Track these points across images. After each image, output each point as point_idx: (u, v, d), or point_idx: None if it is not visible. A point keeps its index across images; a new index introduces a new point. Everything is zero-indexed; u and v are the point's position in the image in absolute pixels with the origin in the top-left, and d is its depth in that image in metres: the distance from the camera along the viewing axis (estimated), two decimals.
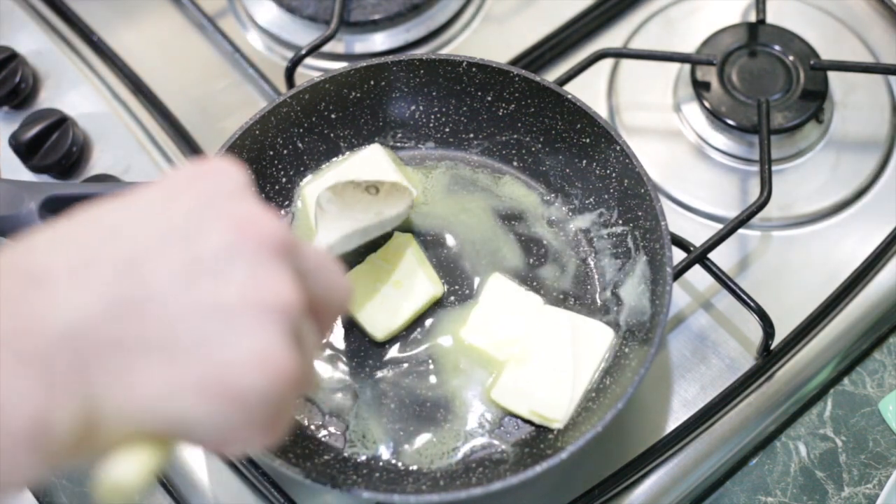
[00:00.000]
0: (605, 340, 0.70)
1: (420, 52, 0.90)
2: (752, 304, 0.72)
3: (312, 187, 0.76)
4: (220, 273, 0.41)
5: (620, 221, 0.73)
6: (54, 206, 0.71)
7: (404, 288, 0.71)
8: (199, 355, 0.40)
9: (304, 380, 0.45)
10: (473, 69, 0.75)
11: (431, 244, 0.75)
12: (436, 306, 0.73)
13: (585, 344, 0.70)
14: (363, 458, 0.68)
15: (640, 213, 0.71)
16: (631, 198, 0.72)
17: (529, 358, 0.70)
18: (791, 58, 0.85)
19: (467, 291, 0.74)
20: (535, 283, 0.74)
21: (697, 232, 0.78)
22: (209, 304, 0.41)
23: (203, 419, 0.41)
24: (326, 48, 0.86)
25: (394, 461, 0.68)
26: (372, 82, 0.76)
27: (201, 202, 0.43)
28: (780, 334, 0.74)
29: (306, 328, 0.45)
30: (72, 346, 0.38)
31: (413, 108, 0.78)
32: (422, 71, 0.76)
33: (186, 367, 0.40)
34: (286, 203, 0.76)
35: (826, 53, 0.85)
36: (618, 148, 0.71)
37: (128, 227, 0.42)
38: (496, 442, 0.68)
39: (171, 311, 0.40)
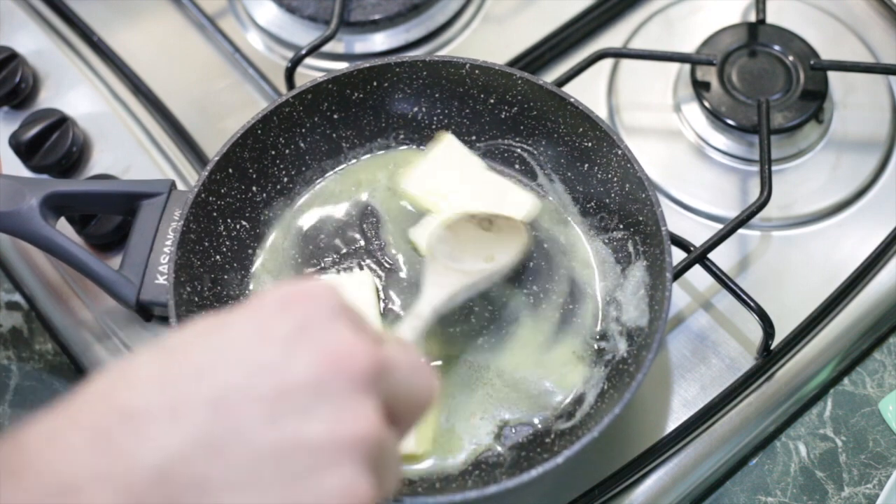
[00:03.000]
0: (526, 207, 0.73)
1: (420, 52, 0.90)
2: (752, 304, 0.72)
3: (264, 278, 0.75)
4: (307, 410, 0.41)
5: (621, 226, 0.73)
6: (55, 203, 0.71)
7: None
8: (282, 493, 0.41)
9: (387, 496, 0.46)
10: (476, 71, 0.75)
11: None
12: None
13: (508, 207, 0.73)
14: None
15: (640, 219, 0.71)
16: (632, 202, 0.72)
17: (453, 212, 0.72)
18: (791, 58, 0.85)
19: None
20: (534, 287, 0.74)
21: (697, 232, 0.78)
22: (293, 442, 0.41)
23: None
24: (326, 48, 0.86)
25: None
26: (375, 83, 0.76)
27: (294, 331, 0.43)
28: (780, 334, 0.74)
29: (389, 443, 0.45)
30: (160, 485, 0.39)
31: (415, 109, 0.78)
32: (424, 72, 0.76)
33: None
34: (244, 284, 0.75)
35: (826, 53, 0.85)
36: (619, 152, 0.71)
37: (218, 364, 0.42)
38: (493, 445, 0.68)
39: (257, 450, 0.40)
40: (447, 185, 0.76)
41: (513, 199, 0.75)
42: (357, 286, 0.73)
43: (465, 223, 0.67)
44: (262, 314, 0.44)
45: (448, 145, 0.77)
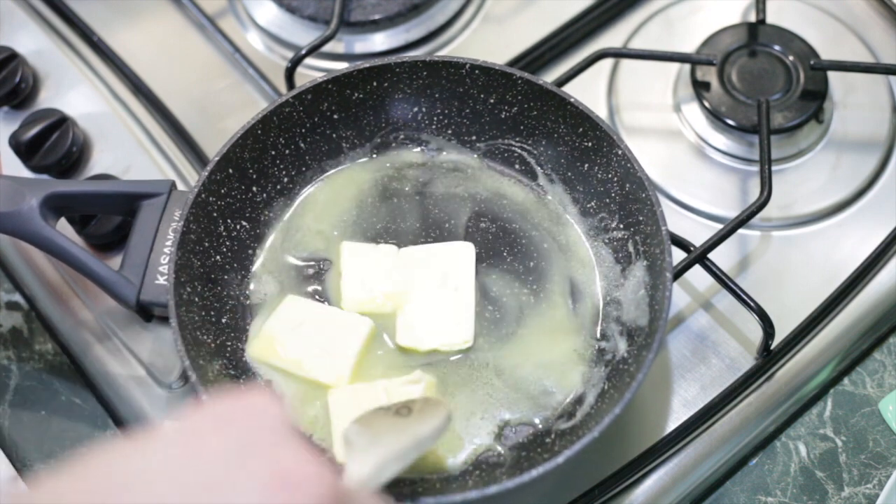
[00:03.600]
0: (469, 254, 0.74)
1: (420, 52, 0.90)
2: (752, 304, 0.72)
3: (292, 300, 0.74)
4: None
5: (621, 226, 0.73)
6: (55, 204, 0.71)
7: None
8: None
9: None
10: (476, 71, 0.75)
11: (435, 240, 0.76)
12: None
13: (453, 265, 0.73)
14: None
15: (641, 218, 0.71)
16: (632, 202, 0.72)
17: (411, 299, 0.72)
18: (791, 58, 0.85)
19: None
20: (534, 287, 0.74)
21: (697, 232, 0.78)
22: None
23: None
24: (326, 48, 0.86)
25: None
26: (374, 83, 0.76)
27: (231, 452, 0.38)
28: (780, 334, 0.74)
29: None
30: None
31: (415, 109, 0.78)
32: (424, 72, 0.76)
33: None
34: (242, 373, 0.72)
35: (826, 53, 0.85)
36: (619, 152, 0.71)
37: (143, 479, 0.37)
38: (494, 445, 0.68)
39: None
40: (382, 283, 0.74)
41: (448, 253, 0.74)
42: (350, 329, 0.72)
43: (382, 414, 0.61)
44: (193, 432, 0.39)
45: (353, 252, 0.75)
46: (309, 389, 0.70)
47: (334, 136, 0.78)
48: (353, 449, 0.57)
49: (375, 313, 0.73)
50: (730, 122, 0.83)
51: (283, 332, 0.72)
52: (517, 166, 0.78)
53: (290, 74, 0.83)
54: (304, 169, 0.78)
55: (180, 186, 0.80)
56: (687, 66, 0.87)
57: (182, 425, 0.40)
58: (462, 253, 0.74)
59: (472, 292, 0.73)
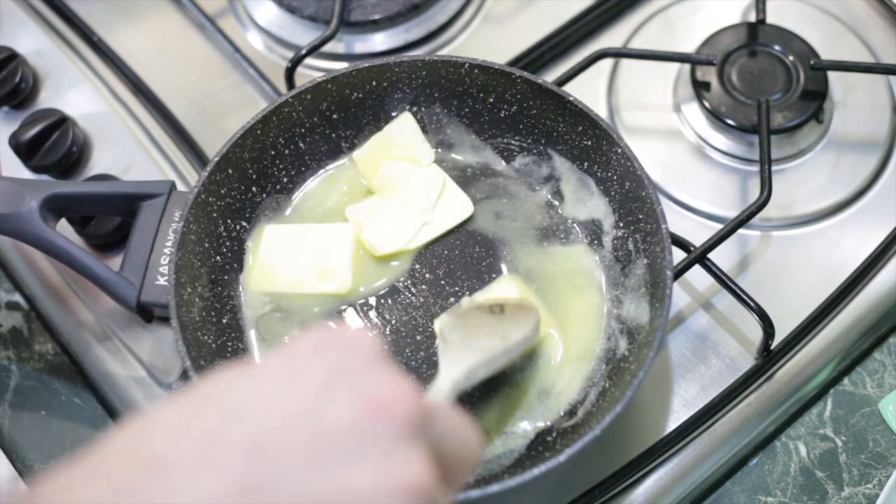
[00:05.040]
0: (462, 214, 0.76)
1: (420, 52, 0.90)
2: (752, 304, 0.72)
3: (273, 229, 0.76)
4: (352, 456, 0.39)
5: (621, 224, 0.73)
6: (55, 205, 0.71)
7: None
8: None
9: None
10: (475, 70, 0.75)
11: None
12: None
13: (445, 207, 0.75)
14: None
15: (640, 217, 0.71)
16: (632, 201, 0.72)
17: (393, 194, 0.75)
18: (791, 58, 0.85)
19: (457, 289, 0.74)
20: (534, 286, 0.74)
21: (697, 232, 0.78)
22: (339, 493, 0.38)
23: None
24: (326, 48, 0.86)
25: None
26: (374, 83, 0.76)
27: (330, 376, 0.40)
28: (780, 334, 0.74)
29: (439, 497, 0.42)
30: None
31: (415, 109, 0.78)
32: (423, 72, 0.76)
33: None
34: (239, 247, 0.75)
35: (826, 53, 0.85)
36: (619, 150, 0.71)
37: (251, 407, 0.39)
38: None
39: (300, 500, 0.38)
40: (394, 173, 0.77)
41: (450, 199, 0.76)
42: (335, 235, 0.75)
43: (476, 311, 0.65)
44: (297, 358, 0.42)
45: (403, 125, 0.78)
46: (311, 305, 0.73)
47: (333, 135, 0.78)
48: (447, 345, 0.62)
49: (364, 169, 0.78)
50: (730, 122, 0.83)
51: (274, 258, 0.74)
52: (516, 165, 0.78)
53: (290, 74, 0.83)
54: (303, 169, 0.78)
55: (180, 186, 0.80)
56: (687, 66, 0.87)
57: (282, 354, 0.42)
58: (459, 207, 0.77)
59: (441, 173, 0.77)
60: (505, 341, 0.64)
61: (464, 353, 0.61)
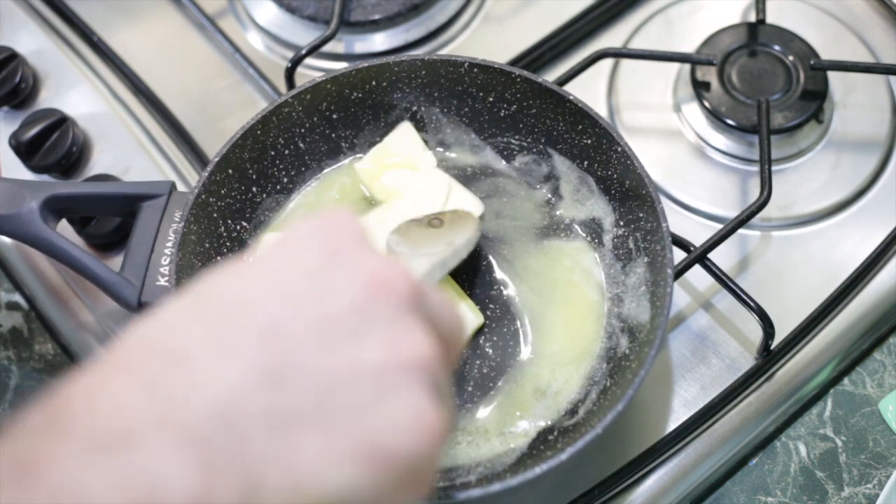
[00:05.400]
0: (473, 214, 0.73)
1: (420, 52, 0.90)
2: (752, 304, 0.72)
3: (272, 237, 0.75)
4: (359, 333, 0.40)
5: (622, 223, 0.73)
6: (56, 206, 0.71)
7: None
8: (352, 422, 0.39)
9: (451, 428, 0.44)
10: (475, 70, 0.75)
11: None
12: None
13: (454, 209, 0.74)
14: None
15: (641, 215, 0.71)
16: (632, 199, 0.72)
17: (399, 202, 0.73)
18: (791, 58, 0.85)
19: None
20: (534, 284, 0.74)
21: (697, 232, 0.78)
22: (354, 368, 0.40)
23: (361, 486, 0.39)
24: (326, 48, 0.86)
25: None
26: (374, 82, 0.76)
27: (324, 259, 0.42)
28: (780, 334, 0.74)
29: (442, 375, 0.44)
30: (224, 422, 0.37)
31: (414, 108, 0.78)
32: (423, 71, 0.76)
33: (341, 436, 0.39)
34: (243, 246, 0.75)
35: (826, 53, 0.85)
36: (619, 149, 0.71)
37: (256, 294, 0.41)
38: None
39: (318, 378, 0.39)
40: (396, 180, 0.76)
41: (458, 201, 0.75)
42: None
43: (416, 225, 0.67)
44: (291, 246, 0.43)
45: (403, 135, 0.77)
46: None
47: (333, 135, 0.78)
48: (398, 257, 0.63)
49: (370, 187, 0.76)
50: (730, 122, 0.83)
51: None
52: (516, 164, 0.78)
53: (290, 74, 0.83)
54: (303, 169, 0.78)
55: (180, 187, 0.80)
56: (687, 66, 0.87)
57: (277, 243, 0.43)
58: (469, 205, 0.75)
59: (445, 176, 0.75)
60: (450, 246, 0.66)
61: (415, 260, 0.62)
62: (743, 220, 0.75)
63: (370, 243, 0.44)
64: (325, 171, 0.79)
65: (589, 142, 0.74)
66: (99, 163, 0.83)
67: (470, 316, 0.72)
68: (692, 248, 0.74)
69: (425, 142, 0.79)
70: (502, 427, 0.69)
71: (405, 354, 0.41)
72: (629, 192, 0.72)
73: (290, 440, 0.38)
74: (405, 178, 0.76)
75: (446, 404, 0.43)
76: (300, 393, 0.39)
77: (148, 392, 0.37)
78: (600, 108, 0.86)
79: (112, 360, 0.38)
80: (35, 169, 0.81)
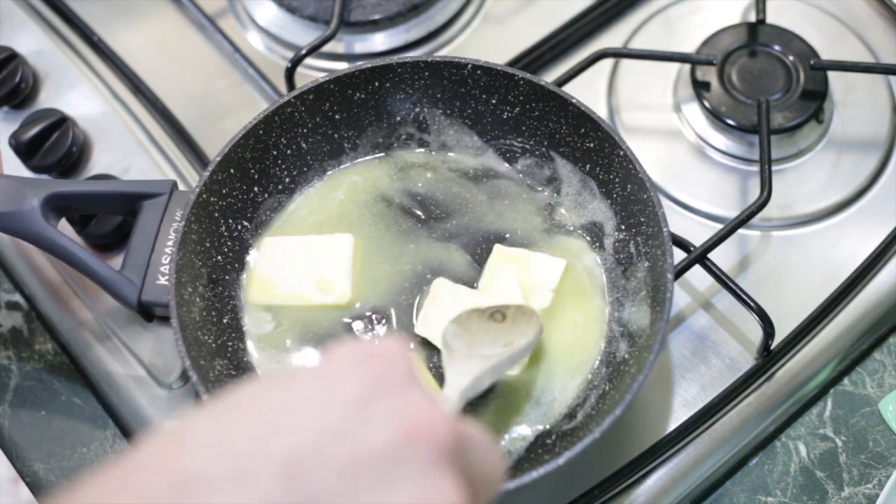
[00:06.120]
0: (558, 268, 0.73)
1: (420, 52, 0.90)
2: (752, 304, 0.72)
3: (272, 241, 0.76)
4: (386, 480, 0.38)
5: (623, 227, 0.73)
6: (57, 203, 0.71)
7: None
8: None
9: None
10: (478, 72, 0.75)
11: (437, 239, 0.76)
12: None
13: (537, 278, 0.72)
14: None
15: (642, 220, 0.71)
16: (634, 203, 0.72)
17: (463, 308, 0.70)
18: (791, 58, 0.85)
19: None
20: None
21: (697, 232, 0.78)
22: None
23: None
24: (326, 48, 0.86)
25: None
26: (376, 83, 0.76)
27: (366, 393, 0.40)
28: (780, 334, 0.74)
29: None
30: None
31: (417, 109, 0.78)
32: (426, 73, 0.76)
33: None
34: (242, 252, 0.75)
35: (826, 53, 0.85)
36: (621, 153, 0.71)
37: (286, 422, 0.39)
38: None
39: None
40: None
41: (539, 265, 0.74)
42: (334, 247, 0.74)
43: (478, 317, 0.65)
44: (331, 372, 0.41)
45: (441, 289, 0.74)
46: (311, 317, 0.73)
47: (336, 136, 0.78)
48: (452, 354, 0.62)
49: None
50: (730, 122, 0.83)
51: (274, 271, 0.74)
52: (518, 167, 0.78)
53: (290, 74, 0.83)
54: (305, 169, 0.78)
55: (180, 186, 0.80)
56: (687, 66, 0.87)
57: (320, 366, 0.42)
58: (552, 267, 0.73)
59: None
60: (508, 348, 0.64)
61: (468, 362, 0.61)
62: (743, 220, 0.75)
63: (417, 381, 0.42)
64: (329, 172, 0.79)
65: (591, 145, 0.74)
66: (99, 163, 0.83)
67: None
68: (692, 248, 0.74)
69: (427, 144, 0.79)
70: (500, 431, 0.69)
71: None
72: (631, 196, 0.72)
73: None
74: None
75: None
76: None
77: None
78: (600, 109, 0.86)
79: (121, 474, 0.37)
80: (35, 169, 0.81)
